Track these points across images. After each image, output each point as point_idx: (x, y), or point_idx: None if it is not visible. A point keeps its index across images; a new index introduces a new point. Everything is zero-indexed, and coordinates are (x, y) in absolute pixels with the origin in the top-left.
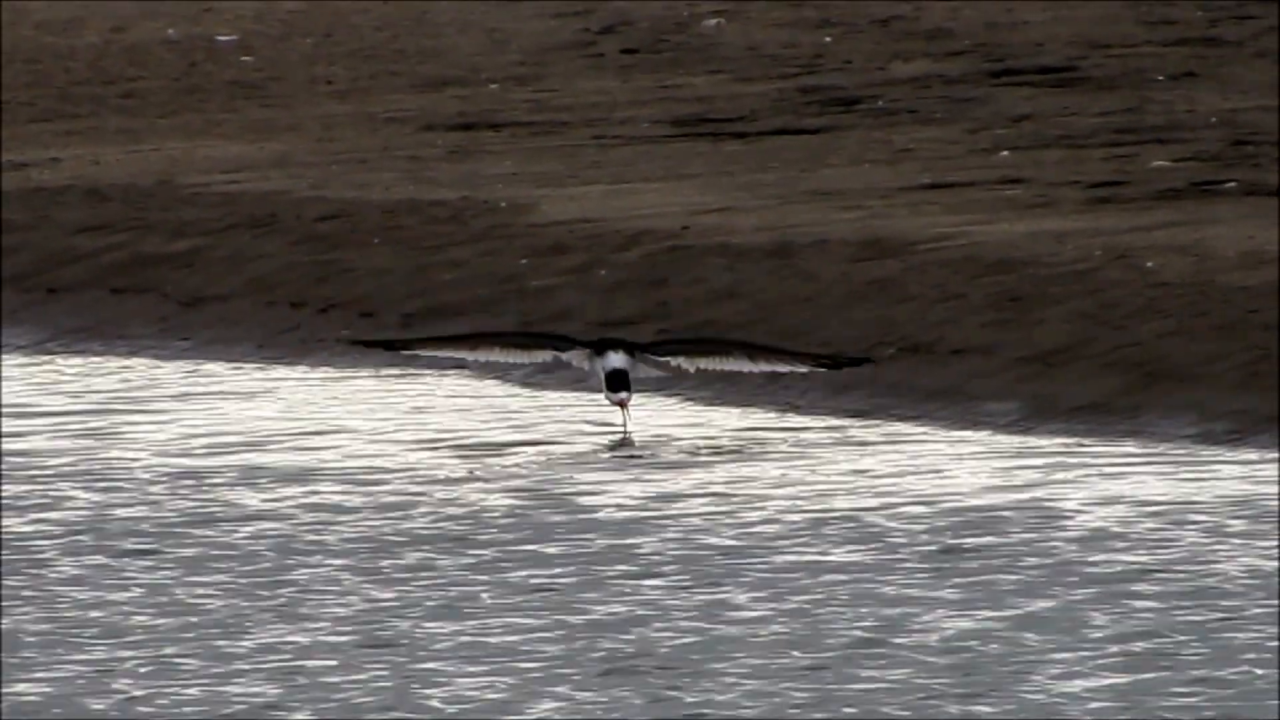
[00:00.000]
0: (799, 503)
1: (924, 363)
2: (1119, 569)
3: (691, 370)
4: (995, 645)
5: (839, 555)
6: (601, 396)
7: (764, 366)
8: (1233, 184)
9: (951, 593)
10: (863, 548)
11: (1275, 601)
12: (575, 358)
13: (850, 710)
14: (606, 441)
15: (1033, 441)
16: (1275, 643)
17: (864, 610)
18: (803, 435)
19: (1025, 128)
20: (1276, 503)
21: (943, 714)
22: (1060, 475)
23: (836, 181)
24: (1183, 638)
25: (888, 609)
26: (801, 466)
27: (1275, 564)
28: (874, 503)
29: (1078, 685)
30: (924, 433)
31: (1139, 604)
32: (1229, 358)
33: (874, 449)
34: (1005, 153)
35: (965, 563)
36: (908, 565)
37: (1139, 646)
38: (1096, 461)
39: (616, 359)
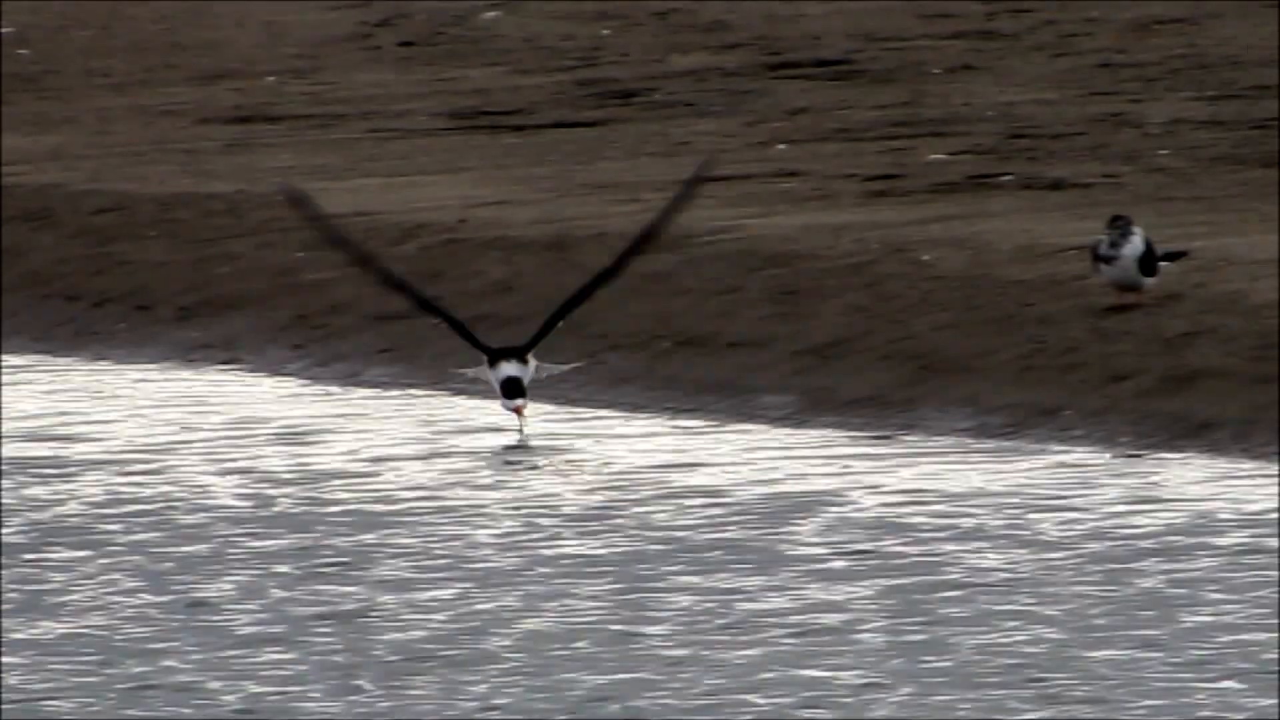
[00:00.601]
0: (571, 496)
1: (700, 355)
2: (891, 561)
3: (559, 330)
4: (746, 636)
5: (605, 549)
6: (501, 404)
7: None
8: (1009, 177)
9: (721, 579)
10: (631, 538)
11: (1034, 596)
12: (471, 360)
13: (575, 693)
14: (497, 444)
15: (808, 434)
16: (1026, 636)
17: (629, 599)
18: (582, 426)
19: (802, 121)
20: (1047, 495)
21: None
22: (834, 468)
23: (613, 174)
24: (943, 630)
25: (634, 594)
26: (575, 458)
27: (1041, 553)
28: (647, 494)
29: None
30: (700, 425)
31: (914, 596)
32: (1004, 351)
33: (650, 441)
34: (782, 146)
35: (734, 552)
36: (675, 555)
37: (902, 639)
38: (872, 454)
39: (510, 368)
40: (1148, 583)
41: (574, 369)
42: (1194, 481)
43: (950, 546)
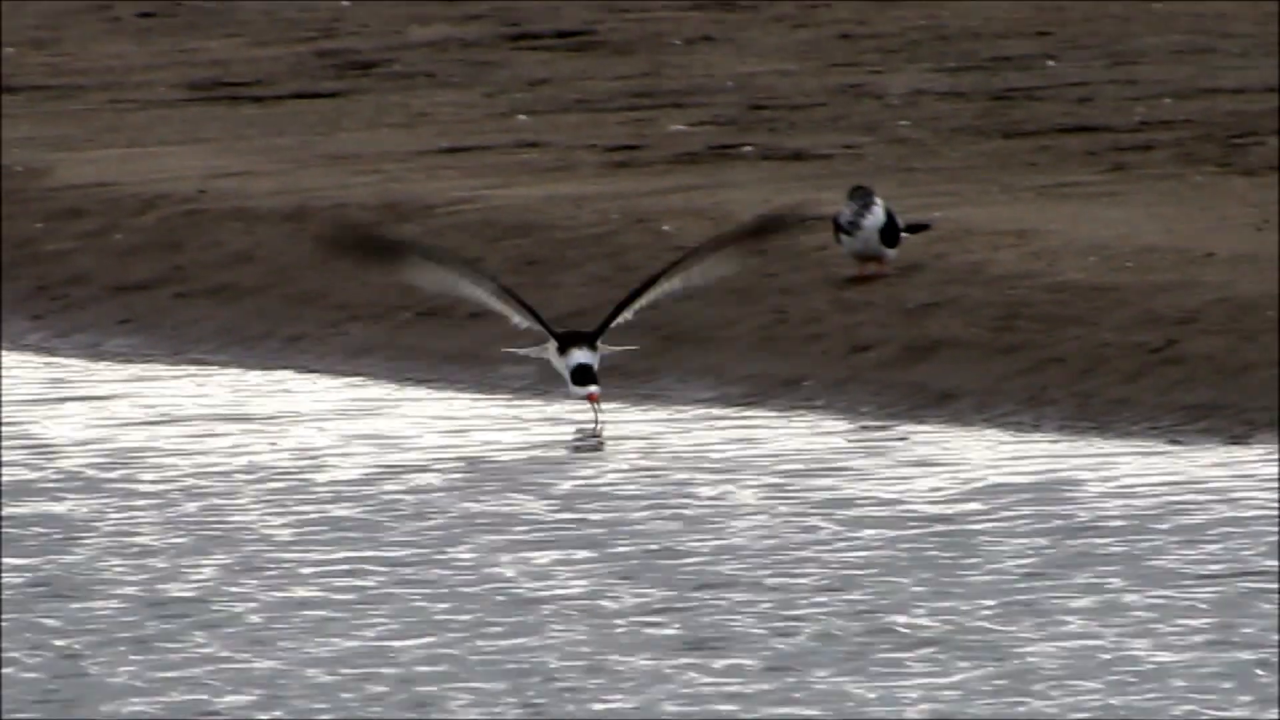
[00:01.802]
0: (303, 463)
1: (443, 326)
2: (629, 528)
3: (634, 317)
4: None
5: (337, 512)
6: (570, 392)
7: (679, 279)
8: (750, 148)
9: (459, 552)
10: (365, 507)
11: (762, 571)
12: (538, 345)
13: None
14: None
15: (550, 404)
16: (755, 615)
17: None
18: (320, 396)
19: (542, 92)
20: (793, 463)
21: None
22: (579, 437)
23: (353, 145)
24: (663, 596)
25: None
26: (313, 429)
27: (772, 521)
28: (380, 462)
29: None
30: (442, 396)
31: (653, 566)
32: (746, 321)
33: (391, 410)
34: (523, 116)
35: (474, 523)
36: (411, 524)
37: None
38: (613, 423)
39: (580, 355)
40: (881, 552)
41: (628, 350)
42: (939, 450)
43: (682, 514)
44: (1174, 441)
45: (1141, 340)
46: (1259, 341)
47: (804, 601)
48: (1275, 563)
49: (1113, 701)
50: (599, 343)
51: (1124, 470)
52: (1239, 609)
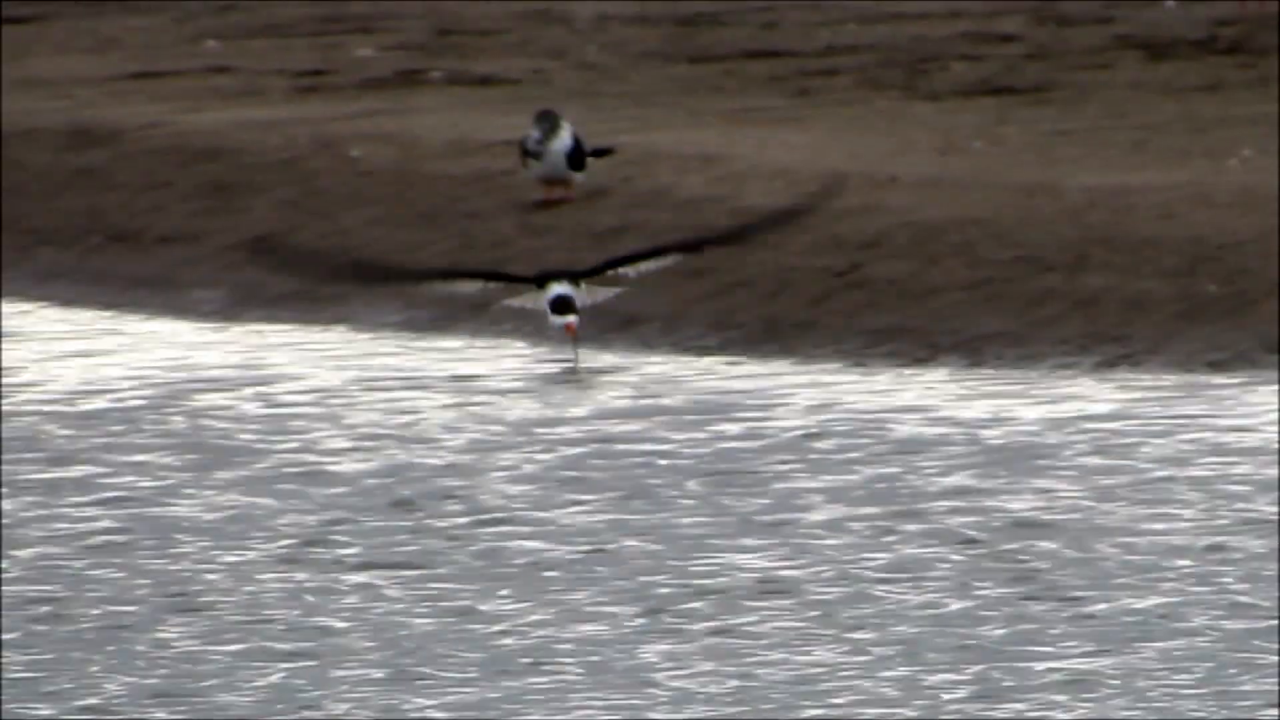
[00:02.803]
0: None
1: (131, 250)
2: (286, 441)
3: (634, 276)
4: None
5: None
6: (548, 325)
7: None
8: (438, 73)
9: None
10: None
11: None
12: (519, 295)
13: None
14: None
15: (238, 328)
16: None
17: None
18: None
19: (231, 17)
20: (478, 384)
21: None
22: (262, 358)
23: (44, 71)
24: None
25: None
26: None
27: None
28: (60, 385)
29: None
30: (131, 319)
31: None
32: (434, 245)
33: (77, 337)
34: (211, 42)
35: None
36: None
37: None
38: (302, 346)
39: (559, 287)
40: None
41: (618, 294)
42: (614, 372)
43: (377, 430)
44: (859, 364)
45: (826, 264)
46: (943, 265)
47: (463, 524)
48: (951, 480)
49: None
50: (584, 284)
51: (809, 393)
52: (907, 518)
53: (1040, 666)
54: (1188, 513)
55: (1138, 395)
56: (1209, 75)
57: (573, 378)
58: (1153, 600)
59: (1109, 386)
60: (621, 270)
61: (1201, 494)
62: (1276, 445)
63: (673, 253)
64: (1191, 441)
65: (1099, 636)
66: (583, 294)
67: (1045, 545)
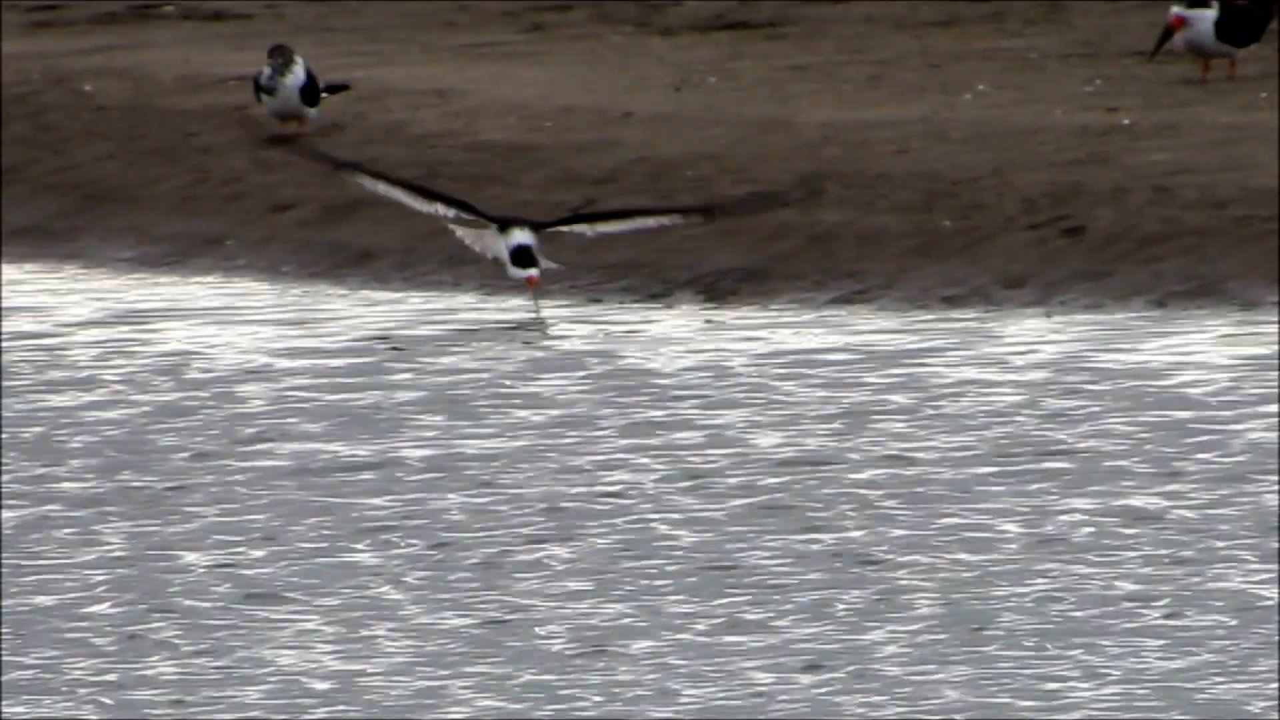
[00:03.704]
0: None
1: None
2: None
3: (591, 235)
4: None
5: None
6: (509, 275)
7: (655, 221)
8: (170, 8)
9: None
10: None
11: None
12: (474, 230)
13: None
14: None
15: None
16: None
17: None
18: None
19: None
20: (202, 318)
21: None
22: None
23: None
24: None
25: None
26: None
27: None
28: None
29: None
30: None
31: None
32: (167, 181)
33: None
34: None
35: None
36: None
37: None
38: (36, 283)
39: (521, 235)
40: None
41: (578, 234)
42: (349, 307)
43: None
44: (595, 300)
45: (561, 199)
46: (678, 201)
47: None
48: (685, 415)
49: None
50: (543, 233)
51: (544, 329)
52: (638, 451)
53: (805, 599)
54: (933, 442)
55: (872, 330)
56: (944, 11)
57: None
58: (897, 532)
59: (843, 322)
60: (579, 228)
61: (932, 427)
62: (1010, 379)
63: (628, 218)
64: (928, 376)
65: (847, 563)
66: (539, 243)
67: (787, 478)
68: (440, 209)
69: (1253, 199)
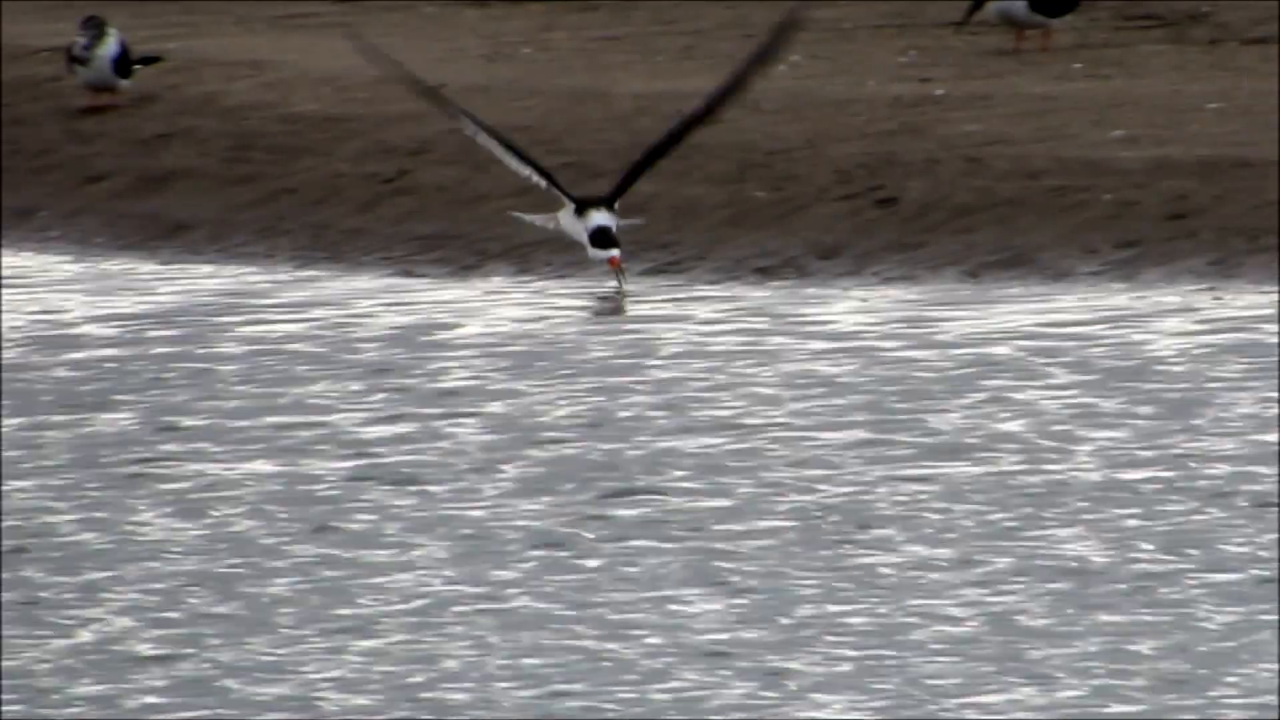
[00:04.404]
0: None
1: None
2: None
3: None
4: None
5: None
6: (590, 256)
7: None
8: None
9: None
10: None
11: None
12: (551, 210)
13: None
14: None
15: None
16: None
17: None
18: None
19: None
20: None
21: None
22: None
23: None
24: None
25: None
26: None
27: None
28: None
29: None
30: None
31: None
32: None
33: None
34: None
35: None
36: None
37: None
38: None
39: (600, 217)
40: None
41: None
42: (156, 280)
43: None
44: (408, 272)
45: (374, 171)
46: (490, 172)
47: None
48: (497, 383)
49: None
50: (616, 206)
51: (365, 301)
52: (448, 418)
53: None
54: (717, 411)
55: (684, 299)
56: None
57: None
58: (716, 502)
59: (659, 290)
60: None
61: (733, 393)
62: (826, 347)
63: (657, 155)
64: (735, 343)
65: (642, 526)
66: (615, 219)
67: (586, 444)
68: (532, 175)
69: (1065, 170)
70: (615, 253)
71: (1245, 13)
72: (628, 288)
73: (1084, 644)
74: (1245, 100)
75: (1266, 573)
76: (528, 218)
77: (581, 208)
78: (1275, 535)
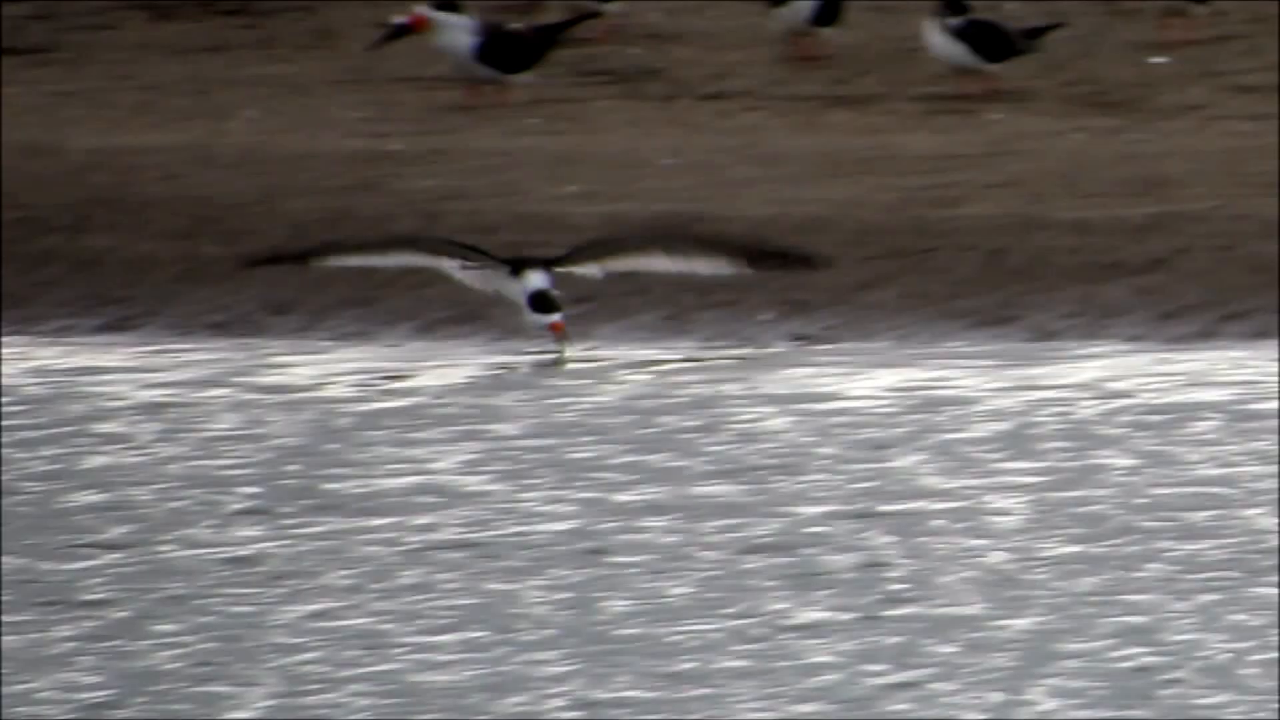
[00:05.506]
0: None
1: None
2: None
3: (600, 275)
4: None
5: None
6: (527, 322)
7: (683, 265)
8: None
9: None
10: None
11: None
12: (484, 276)
13: None
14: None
15: None
16: None
17: None
18: None
19: None
20: None
21: None
22: None
23: None
24: None
25: None
26: None
27: None
28: None
29: None
30: None
31: None
32: None
33: None
34: None
35: None
36: None
37: None
38: None
39: (537, 278)
40: None
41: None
42: None
43: None
44: None
45: None
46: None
47: None
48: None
49: None
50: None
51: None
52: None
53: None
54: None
55: (141, 354)
56: (213, 36)
57: (558, 371)
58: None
59: (113, 348)
60: (585, 270)
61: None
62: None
63: (635, 253)
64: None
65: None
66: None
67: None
68: (445, 264)
69: (520, 225)
70: (557, 317)
71: (699, 69)
72: (570, 354)
73: None
74: (699, 155)
75: None
76: (468, 280)
77: (516, 269)
78: None
